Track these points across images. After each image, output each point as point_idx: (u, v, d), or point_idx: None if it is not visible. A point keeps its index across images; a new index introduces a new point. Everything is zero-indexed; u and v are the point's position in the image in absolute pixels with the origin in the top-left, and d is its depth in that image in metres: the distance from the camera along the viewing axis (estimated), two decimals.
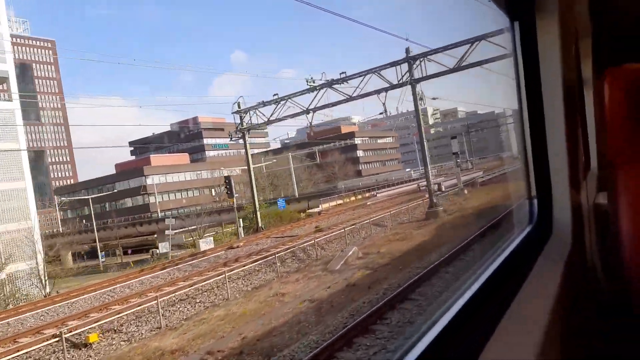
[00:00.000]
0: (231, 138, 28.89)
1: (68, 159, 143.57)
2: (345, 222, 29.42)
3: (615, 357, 2.09)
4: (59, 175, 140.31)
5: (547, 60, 2.32)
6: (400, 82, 22.58)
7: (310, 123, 24.34)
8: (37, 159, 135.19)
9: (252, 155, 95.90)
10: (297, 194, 55.16)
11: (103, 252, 56.92)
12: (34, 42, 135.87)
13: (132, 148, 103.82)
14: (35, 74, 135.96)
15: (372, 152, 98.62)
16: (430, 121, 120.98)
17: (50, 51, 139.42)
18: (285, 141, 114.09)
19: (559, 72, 2.32)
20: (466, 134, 64.84)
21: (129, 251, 55.40)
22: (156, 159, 77.88)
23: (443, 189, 36.30)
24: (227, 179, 28.59)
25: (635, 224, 2.04)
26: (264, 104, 25.10)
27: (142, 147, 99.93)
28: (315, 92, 23.26)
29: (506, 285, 1.79)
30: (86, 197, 57.82)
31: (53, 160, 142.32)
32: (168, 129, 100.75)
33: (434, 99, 28.62)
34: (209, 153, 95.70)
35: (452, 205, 31.85)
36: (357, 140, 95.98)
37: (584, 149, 3.31)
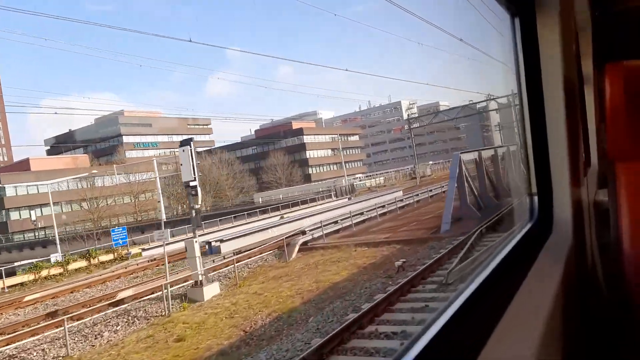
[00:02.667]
0: None
1: (6, 159, 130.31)
2: None
3: (615, 354, 2.11)
4: None
5: (547, 56, 2.33)
6: None
7: None
8: None
9: (202, 154, 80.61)
10: (164, 217, 39.31)
11: None
12: None
13: (48, 147, 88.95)
14: None
15: (326, 152, 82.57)
16: (405, 116, 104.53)
17: None
18: (249, 138, 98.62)
19: (560, 68, 2.32)
20: (408, 131, 48.64)
21: None
22: (39, 162, 62.55)
23: None
24: None
25: (635, 222, 2.06)
26: None
27: (63, 145, 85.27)
28: None
29: (506, 283, 1.76)
30: None
31: None
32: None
33: None
34: (132, 153, 79.99)
35: None
36: (307, 139, 79.97)
37: (584, 146, 3.20)
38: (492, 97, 41.05)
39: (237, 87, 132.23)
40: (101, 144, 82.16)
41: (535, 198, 2.52)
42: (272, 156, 75.92)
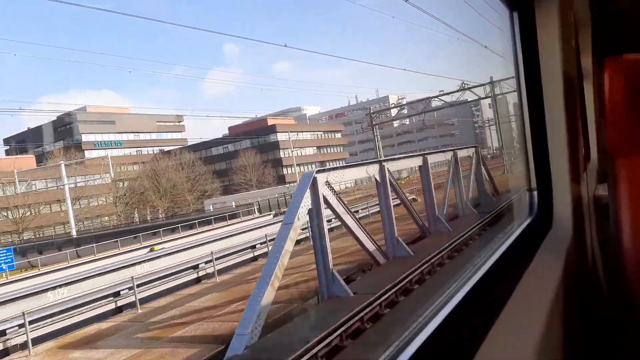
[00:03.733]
0: None
1: None
2: None
3: (615, 353, 2.07)
4: None
5: (546, 51, 2.31)
6: None
7: None
8: None
9: (158, 154, 74.52)
10: (74, 233, 33.12)
11: None
12: None
13: (7, 147, 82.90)
14: None
15: (302, 150, 76.09)
16: (393, 112, 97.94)
17: None
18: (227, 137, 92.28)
19: (559, 63, 2.30)
20: (365, 129, 42.02)
21: None
22: None
23: None
24: None
25: (635, 216, 2.03)
26: None
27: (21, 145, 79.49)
28: None
29: (505, 278, 1.74)
30: None
31: None
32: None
33: None
34: (92, 153, 73.85)
35: None
36: (281, 136, 73.55)
37: (583, 141, 3.18)
38: (466, 87, 34.60)
39: (232, 85, 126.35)
40: (57, 143, 76.02)
41: (535, 193, 2.46)
42: (242, 156, 69.70)
